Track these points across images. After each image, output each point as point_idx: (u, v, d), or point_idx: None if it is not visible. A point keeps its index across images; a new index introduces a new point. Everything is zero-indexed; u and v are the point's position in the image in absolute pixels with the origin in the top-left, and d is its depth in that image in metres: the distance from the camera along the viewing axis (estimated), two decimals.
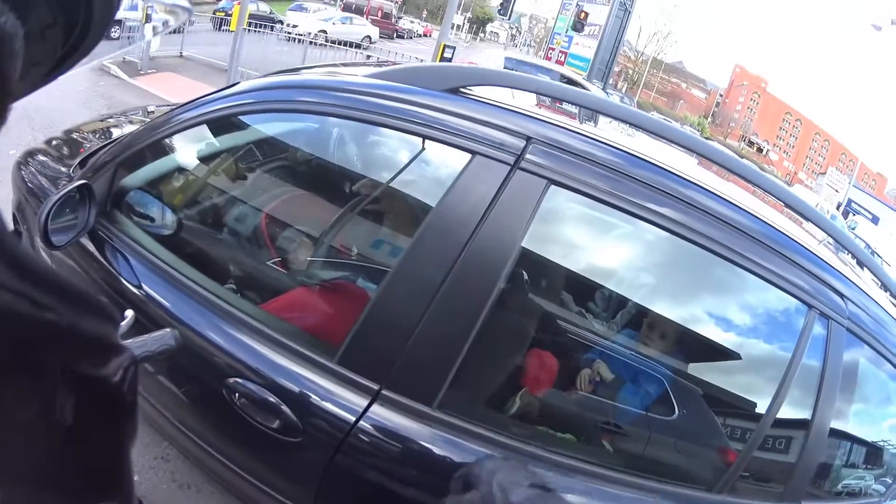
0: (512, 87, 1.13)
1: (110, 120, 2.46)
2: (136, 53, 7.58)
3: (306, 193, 1.60)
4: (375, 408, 0.98)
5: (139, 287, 1.23)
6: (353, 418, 0.99)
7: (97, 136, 2.11)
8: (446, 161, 1.00)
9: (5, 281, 0.19)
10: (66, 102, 5.15)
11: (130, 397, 0.28)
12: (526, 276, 1.10)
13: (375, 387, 0.98)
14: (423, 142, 1.04)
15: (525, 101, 1.16)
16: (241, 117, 1.30)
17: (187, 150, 1.54)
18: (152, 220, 1.44)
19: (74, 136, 2.08)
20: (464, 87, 1.08)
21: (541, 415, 1.11)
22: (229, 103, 1.24)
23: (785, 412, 1.04)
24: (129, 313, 0.93)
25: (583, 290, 1.21)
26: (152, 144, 1.36)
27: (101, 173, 1.37)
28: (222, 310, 1.15)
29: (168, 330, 0.80)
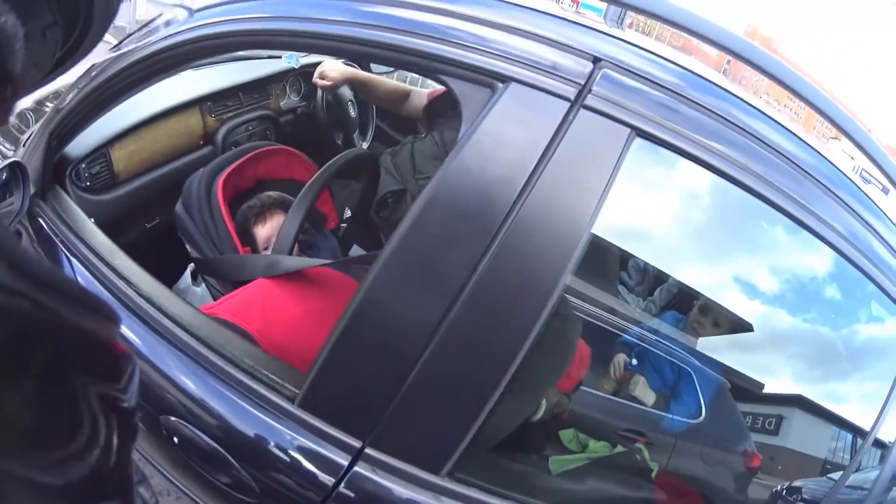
0: None
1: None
2: None
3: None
4: (358, 472, 0.66)
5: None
6: (329, 484, 0.67)
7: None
8: (464, 93, 0.63)
9: (5, 280, 0.20)
10: None
11: (130, 396, 0.27)
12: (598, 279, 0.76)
13: (356, 444, 0.66)
14: (427, 62, 0.66)
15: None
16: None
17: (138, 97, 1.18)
18: (94, 194, 1.20)
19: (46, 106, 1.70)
20: None
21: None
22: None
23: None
24: None
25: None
26: (94, 97, 0.99)
27: (35, 145, 1.05)
28: (149, 314, 0.83)
29: None
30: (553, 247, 0.58)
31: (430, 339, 0.60)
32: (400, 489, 0.66)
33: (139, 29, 0.97)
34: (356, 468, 0.67)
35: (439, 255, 0.61)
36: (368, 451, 0.66)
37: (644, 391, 0.98)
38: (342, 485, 0.68)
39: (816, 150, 0.74)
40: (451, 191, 0.60)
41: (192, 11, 0.89)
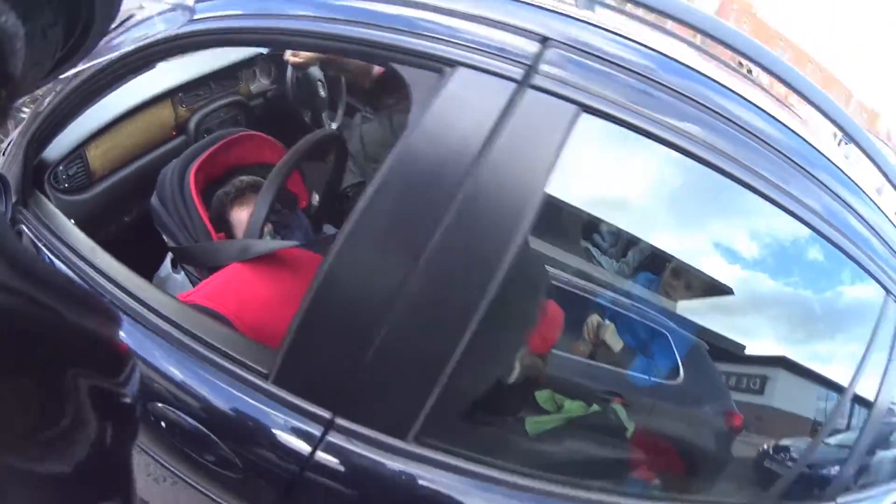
0: None
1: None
2: None
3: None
4: (331, 442, 0.70)
5: None
6: (304, 455, 0.72)
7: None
8: (413, 79, 0.65)
9: (5, 280, 0.19)
10: None
11: (131, 395, 0.27)
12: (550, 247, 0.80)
13: (326, 415, 0.70)
14: (374, 51, 0.67)
15: None
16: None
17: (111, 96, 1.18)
18: (72, 195, 1.22)
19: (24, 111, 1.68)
20: None
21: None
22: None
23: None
24: None
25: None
26: (72, 98, 0.99)
27: (15, 152, 1.05)
28: (132, 308, 0.85)
29: None
30: (497, 221, 0.61)
31: (388, 310, 0.64)
32: (371, 455, 0.70)
33: (116, 27, 0.97)
34: (328, 438, 0.70)
35: (394, 232, 0.64)
36: (339, 420, 0.70)
37: (613, 338, 0.99)
38: (316, 454, 0.72)
39: (769, 114, 0.75)
40: (402, 174, 0.63)
41: (193, 11, 0.89)
